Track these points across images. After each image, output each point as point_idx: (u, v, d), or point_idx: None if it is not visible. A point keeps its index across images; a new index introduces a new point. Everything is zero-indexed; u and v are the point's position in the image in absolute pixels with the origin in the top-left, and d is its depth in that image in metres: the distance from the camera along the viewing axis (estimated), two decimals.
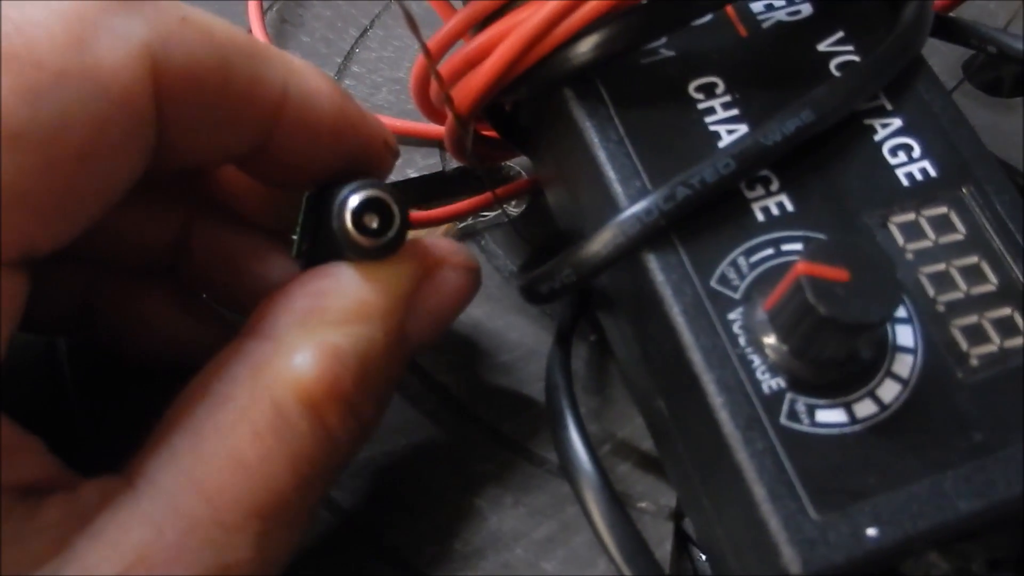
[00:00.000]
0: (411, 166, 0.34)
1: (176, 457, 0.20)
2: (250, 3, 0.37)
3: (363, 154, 0.24)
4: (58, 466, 0.20)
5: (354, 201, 0.22)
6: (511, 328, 0.30)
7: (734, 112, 0.23)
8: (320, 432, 0.20)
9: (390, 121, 0.34)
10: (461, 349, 0.29)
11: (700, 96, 0.23)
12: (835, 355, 0.20)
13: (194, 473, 0.19)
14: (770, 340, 0.20)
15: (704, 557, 0.26)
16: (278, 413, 0.20)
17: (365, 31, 0.38)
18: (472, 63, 0.23)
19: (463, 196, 0.34)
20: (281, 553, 0.21)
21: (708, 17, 0.24)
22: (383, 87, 0.36)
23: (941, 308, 0.21)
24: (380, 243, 0.22)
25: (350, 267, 0.22)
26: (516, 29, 0.22)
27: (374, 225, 0.22)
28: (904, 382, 0.21)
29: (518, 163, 0.34)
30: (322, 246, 0.23)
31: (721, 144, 0.23)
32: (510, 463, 0.27)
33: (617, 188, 0.22)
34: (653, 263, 0.22)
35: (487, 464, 0.27)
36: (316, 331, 0.21)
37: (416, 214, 0.30)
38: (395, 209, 0.22)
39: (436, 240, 0.24)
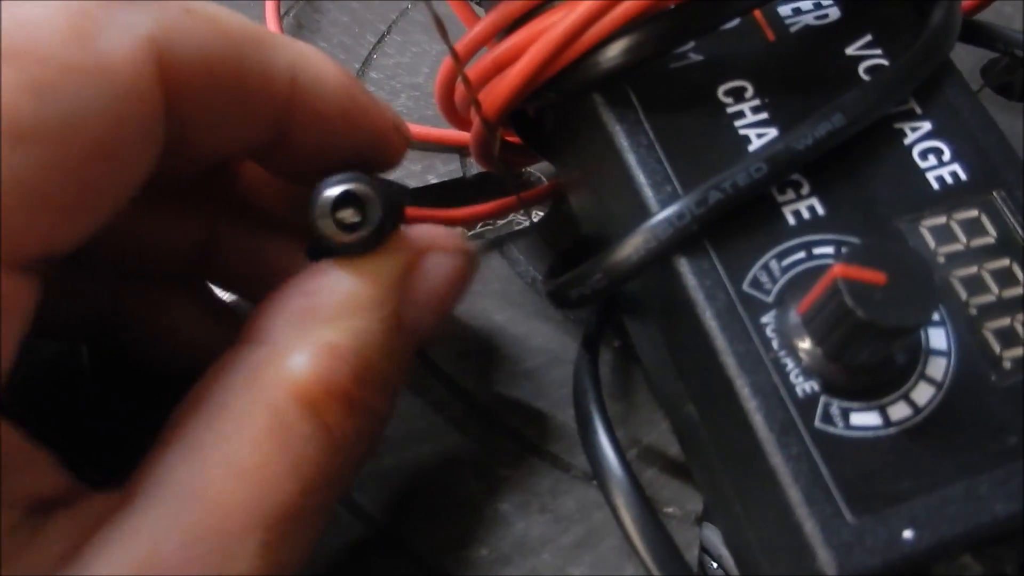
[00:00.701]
0: (432, 172, 0.34)
1: (175, 469, 0.19)
2: (267, 6, 0.37)
3: (375, 140, 0.23)
4: (66, 480, 0.20)
5: (328, 197, 0.21)
6: (534, 334, 0.30)
7: (763, 116, 0.23)
8: (322, 433, 0.20)
9: (410, 127, 0.34)
10: (485, 355, 0.29)
11: (729, 100, 0.23)
12: (871, 359, 0.20)
13: (194, 484, 0.19)
14: (804, 344, 0.20)
15: (716, 565, 0.26)
16: (276, 418, 0.20)
17: (383, 37, 0.38)
18: (501, 66, 0.23)
19: (484, 202, 0.34)
20: (291, 561, 0.20)
21: (736, 22, 0.24)
22: (402, 93, 0.36)
23: (973, 311, 0.21)
24: (358, 238, 0.21)
25: (338, 263, 0.22)
26: (547, 32, 0.22)
27: (355, 219, 0.21)
28: (938, 385, 0.21)
29: (539, 169, 0.34)
30: (319, 244, 0.23)
31: (751, 148, 0.23)
32: (536, 469, 0.27)
33: (648, 193, 0.22)
34: (685, 267, 0.22)
35: (512, 470, 0.27)
36: (310, 330, 0.21)
37: (442, 212, 0.30)
38: (372, 201, 0.21)
39: (425, 227, 0.24)
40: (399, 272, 0.22)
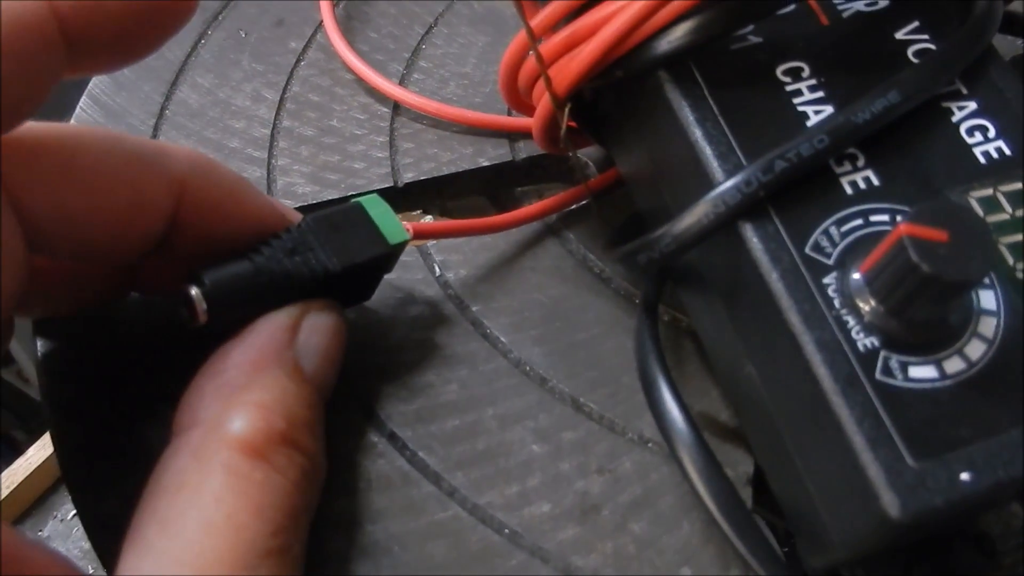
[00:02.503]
0: (483, 156, 0.35)
1: (152, 547, 0.21)
2: (323, 5, 0.38)
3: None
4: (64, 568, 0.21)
5: (178, 300, 0.25)
6: (587, 307, 0.31)
7: (820, 94, 0.25)
8: (274, 476, 0.22)
9: (460, 112, 0.35)
10: (540, 327, 0.30)
11: (787, 79, 0.25)
12: (930, 314, 0.21)
13: (171, 552, 0.21)
14: (864, 302, 0.22)
15: None
16: (231, 473, 0.22)
17: (430, 28, 0.39)
18: (574, 44, 0.25)
19: (531, 185, 0.35)
20: None
21: (792, 7, 0.26)
22: (451, 81, 0.37)
23: (1020, 274, 0.23)
24: (204, 322, 0.24)
25: (232, 341, 0.25)
26: (622, 11, 0.24)
27: (202, 307, 0.24)
28: (990, 342, 0.22)
29: (585, 153, 0.35)
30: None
31: (809, 123, 0.24)
32: (593, 433, 0.28)
33: (714, 164, 0.24)
34: (750, 232, 0.23)
35: (571, 433, 0.28)
36: (234, 399, 0.23)
37: (508, 214, 0.32)
38: (198, 306, 0.24)
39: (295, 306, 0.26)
40: (286, 333, 0.25)
